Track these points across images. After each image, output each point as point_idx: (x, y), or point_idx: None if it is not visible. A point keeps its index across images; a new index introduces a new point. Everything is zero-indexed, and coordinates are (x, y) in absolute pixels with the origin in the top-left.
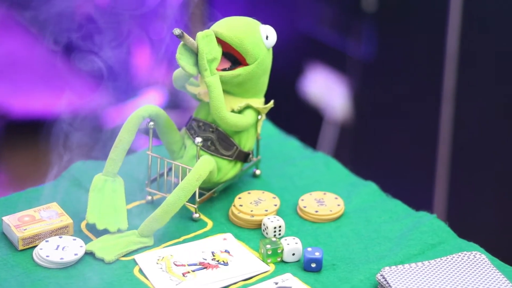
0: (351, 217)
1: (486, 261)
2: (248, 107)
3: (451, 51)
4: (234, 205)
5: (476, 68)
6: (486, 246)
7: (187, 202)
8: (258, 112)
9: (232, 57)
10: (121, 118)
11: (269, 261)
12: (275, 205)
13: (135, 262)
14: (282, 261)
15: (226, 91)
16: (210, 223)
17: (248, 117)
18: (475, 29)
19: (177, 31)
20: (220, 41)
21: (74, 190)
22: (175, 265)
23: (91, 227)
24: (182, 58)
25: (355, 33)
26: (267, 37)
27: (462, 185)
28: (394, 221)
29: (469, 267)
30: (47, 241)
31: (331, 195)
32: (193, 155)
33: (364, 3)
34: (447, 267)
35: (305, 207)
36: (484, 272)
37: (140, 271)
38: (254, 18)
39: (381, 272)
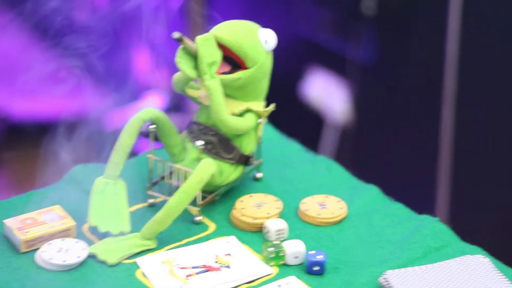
0: (354, 221)
1: (489, 264)
2: (248, 110)
3: (451, 54)
4: (236, 208)
5: (476, 71)
6: (489, 249)
7: (189, 205)
8: (258, 115)
9: (232, 60)
10: (122, 121)
11: (271, 264)
12: (278, 208)
13: (137, 265)
14: (285, 264)
15: (226, 95)
16: (212, 226)
17: (249, 120)
18: (475, 32)
19: (176, 34)
20: (219, 45)
21: (76, 193)
22: (178, 268)
23: (94, 230)
24: (182, 61)
25: (355, 37)
26: (266, 41)
27: (464, 188)
28: (397, 224)
29: (472, 270)
30: (49, 244)
31: (333, 198)
32: (194, 158)
33: (364, 7)
34: (450, 270)
35: (307, 210)
36: (487, 275)
37: (143, 274)
38: (253, 22)
39: (383, 276)
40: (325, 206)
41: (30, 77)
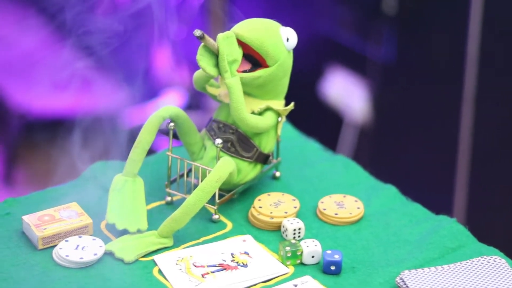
0: (371, 220)
1: (506, 266)
2: (268, 109)
3: (471, 53)
4: (253, 207)
5: (496, 71)
6: (506, 251)
7: (206, 203)
8: (278, 114)
9: (253, 59)
10: (141, 118)
11: (288, 263)
12: (295, 207)
13: (154, 263)
14: (302, 263)
15: (246, 93)
16: (229, 225)
17: (268, 119)
18: (496, 31)
19: (197, 32)
20: (240, 43)
21: (94, 190)
22: (195, 266)
23: (111, 227)
24: (203, 59)
25: (375, 35)
26: (287, 39)
27: (482, 189)
28: (414, 224)
29: (489, 271)
30: (66, 241)
31: (351, 198)
32: (213, 156)
33: (384, 6)
34: (467, 271)
35: (324, 209)
36: (504, 276)
37: (160, 271)
38: (274, 20)
39: (400, 276)
40: (342, 206)
41: (49, 74)
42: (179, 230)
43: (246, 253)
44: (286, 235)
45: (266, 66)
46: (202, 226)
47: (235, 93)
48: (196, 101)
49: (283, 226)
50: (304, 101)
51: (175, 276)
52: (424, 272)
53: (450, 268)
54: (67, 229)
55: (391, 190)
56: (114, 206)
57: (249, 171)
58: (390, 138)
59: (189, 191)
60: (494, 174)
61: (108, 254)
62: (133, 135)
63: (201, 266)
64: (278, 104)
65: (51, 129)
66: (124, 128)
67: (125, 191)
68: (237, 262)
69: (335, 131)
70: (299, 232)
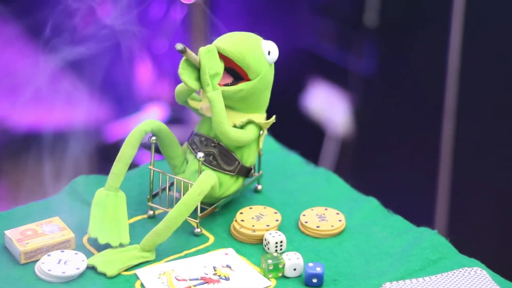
0: (353, 233)
1: (487, 277)
2: (250, 122)
3: (452, 66)
4: (235, 220)
5: (477, 84)
6: (487, 262)
7: (188, 217)
8: (260, 127)
9: (234, 72)
10: (123, 132)
11: (270, 276)
12: (277, 220)
13: (136, 277)
14: (284, 276)
15: (228, 106)
16: (211, 238)
17: (250, 132)
18: (477, 45)
19: (179, 46)
20: (222, 56)
21: (76, 205)
22: (177, 279)
23: (93, 242)
24: (185, 73)
25: (356, 48)
26: (269, 53)
27: (463, 201)
28: (395, 236)
29: (470, 282)
30: (49, 255)
31: (332, 211)
32: (195, 170)
33: (365, 18)
34: (448, 283)
35: (306, 222)
36: (485, 287)
37: (142, 285)
38: (256, 33)
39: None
40: (324, 218)
41: (31, 88)
42: (161, 244)
43: (228, 266)
44: (268, 248)
45: (248, 80)
46: (184, 240)
47: (216, 106)
48: (178, 114)
49: (265, 239)
50: (285, 114)
51: None
52: (405, 284)
53: (431, 279)
54: (49, 244)
55: (372, 203)
56: (96, 220)
57: (231, 185)
58: (372, 150)
59: (171, 205)
60: (475, 186)
61: (91, 268)
62: (115, 149)
63: (183, 280)
64: (260, 117)
65: (33, 144)
66: (107, 142)
67: (107, 205)
68: (219, 276)
69: (317, 144)
70: (281, 245)
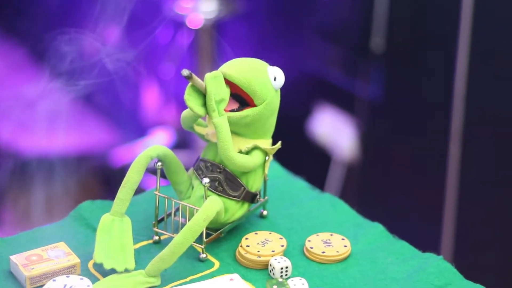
0: (358, 258)
1: None
2: (255, 148)
3: (458, 92)
4: (241, 246)
5: (484, 109)
6: None
7: (194, 242)
8: (265, 153)
9: (240, 98)
10: (129, 157)
11: None
12: (282, 246)
13: None
14: None
15: (234, 132)
16: (217, 264)
17: (256, 158)
18: (483, 69)
19: (185, 72)
20: (228, 82)
21: (82, 230)
22: None
23: (99, 267)
24: (191, 99)
25: (363, 73)
26: (275, 79)
27: (469, 227)
28: (401, 262)
29: None
30: (54, 280)
31: (338, 236)
32: (200, 196)
33: (372, 44)
34: None
35: (311, 248)
36: None
37: None
38: (262, 59)
39: None
40: (330, 244)
41: (37, 113)
42: (166, 269)
43: None
44: (273, 274)
45: (254, 105)
46: (190, 265)
47: (222, 132)
48: (184, 140)
49: (270, 265)
50: (292, 140)
51: None
52: None
53: None
54: (54, 269)
55: (378, 229)
56: (102, 245)
57: (236, 210)
58: (378, 176)
59: (176, 230)
60: (482, 212)
61: None
62: (121, 174)
63: None
64: (266, 143)
65: (39, 169)
66: (113, 167)
67: (113, 230)
68: None
69: (323, 169)
70: (286, 271)
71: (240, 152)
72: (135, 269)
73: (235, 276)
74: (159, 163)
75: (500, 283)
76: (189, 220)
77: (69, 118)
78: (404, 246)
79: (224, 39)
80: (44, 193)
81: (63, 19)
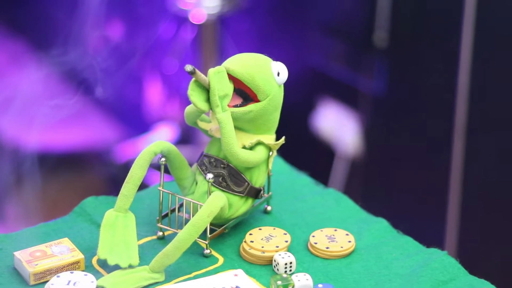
0: (362, 254)
1: None
2: (259, 143)
3: (462, 86)
4: (245, 241)
5: (488, 103)
6: (497, 283)
7: (198, 238)
8: (269, 148)
9: (244, 93)
10: (133, 153)
11: None
12: (286, 241)
13: None
14: None
15: (237, 127)
16: (221, 259)
17: (260, 153)
18: (486, 64)
19: (189, 67)
20: (231, 78)
21: (86, 226)
22: None
23: (103, 263)
24: (194, 94)
25: (366, 68)
26: (278, 74)
27: (474, 222)
28: (405, 257)
29: None
30: (58, 276)
31: (342, 232)
32: (204, 191)
33: (375, 38)
34: None
35: (316, 243)
36: None
37: None
38: (265, 55)
39: None
40: (334, 239)
41: (42, 109)
42: (170, 265)
43: (237, 287)
44: (278, 269)
45: (257, 101)
46: (194, 261)
47: (226, 127)
48: (188, 135)
49: (275, 260)
50: (295, 135)
51: None
52: None
53: None
54: (58, 265)
55: (382, 224)
56: (106, 241)
57: (240, 206)
58: (382, 171)
59: (180, 226)
60: (486, 207)
61: None
62: (125, 169)
63: None
64: (269, 138)
65: (43, 164)
66: (117, 162)
67: (117, 226)
68: None
69: (327, 165)
70: (291, 266)
71: (244, 147)
72: (139, 265)
73: (239, 271)
74: (163, 159)
75: (505, 278)
76: (193, 216)
77: (73, 114)
78: (408, 242)
79: (227, 34)
80: (48, 189)
81: (67, 13)
